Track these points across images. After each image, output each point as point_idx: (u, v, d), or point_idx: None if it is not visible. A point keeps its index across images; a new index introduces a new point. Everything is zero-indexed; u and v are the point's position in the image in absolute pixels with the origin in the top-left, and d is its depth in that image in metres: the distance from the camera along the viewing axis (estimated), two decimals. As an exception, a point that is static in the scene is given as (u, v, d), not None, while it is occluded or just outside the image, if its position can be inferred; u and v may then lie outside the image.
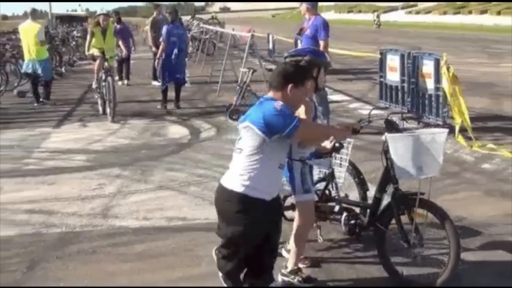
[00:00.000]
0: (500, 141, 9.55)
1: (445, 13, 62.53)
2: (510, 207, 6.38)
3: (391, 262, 4.67)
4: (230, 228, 4.04)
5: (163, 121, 12.44)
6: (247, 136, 3.89)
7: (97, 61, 13.49)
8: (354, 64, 20.50)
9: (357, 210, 5.35)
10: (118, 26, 17.47)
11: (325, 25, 10.23)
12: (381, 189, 4.76)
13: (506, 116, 11.66)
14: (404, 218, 4.61)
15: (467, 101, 9.68)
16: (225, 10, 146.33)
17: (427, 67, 10.07)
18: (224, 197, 4.04)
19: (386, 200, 4.83)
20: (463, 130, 9.53)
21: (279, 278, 4.71)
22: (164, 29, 14.06)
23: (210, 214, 6.53)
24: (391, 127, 4.59)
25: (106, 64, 12.99)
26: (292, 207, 5.12)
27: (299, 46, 10.14)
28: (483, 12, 56.34)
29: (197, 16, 44.45)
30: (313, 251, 5.31)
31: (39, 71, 14.61)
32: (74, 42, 28.34)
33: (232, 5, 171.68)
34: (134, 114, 13.39)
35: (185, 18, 35.11)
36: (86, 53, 14.60)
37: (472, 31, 41.52)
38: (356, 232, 5.05)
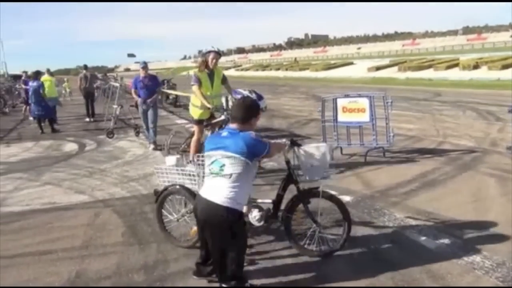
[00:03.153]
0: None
1: (257, 70, 63.92)
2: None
3: (296, 238, 4.03)
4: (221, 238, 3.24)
5: (63, 141, 11.44)
6: (232, 163, 3.16)
7: (196, 134, 6.80)
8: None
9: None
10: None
11: (158, 78, 10.18)
12: (284, 189, 4.04)
13: (273, 129, 11.96)
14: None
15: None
16: (127, 70, 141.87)
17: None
18: (216, 213, 3.17)
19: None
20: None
21: None
22: (29, 84, 13.85)
23: (72, 199, 6.17)
24: (294, 144, 4.00)
25: (223, 116, 6.74)
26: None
27: (140, 92, 9.32)
28: (278, 69, 58.13)
29: (108, 74, 41.84)
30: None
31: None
32: (16, 92, 25.91)
33: (132, 67, 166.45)
34: (45, 138, 12.22)
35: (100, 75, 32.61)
36: (191, 113, 6.94)
37: (269, 80, 42.66)
38: (265, 221, 4.10)
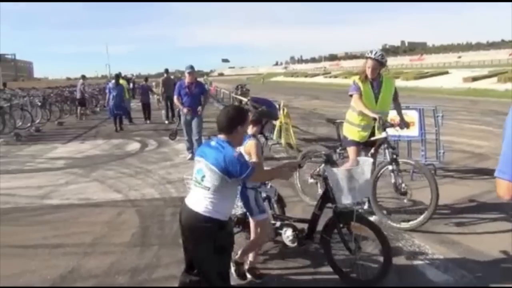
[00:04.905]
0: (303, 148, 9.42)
1: (345, 77, 62.65)
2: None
3: (337, 264, 3.72)
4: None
5: (130, 140, 12.18)
6: (210, 176, 3.02)
7: (351, 159, 5.22)
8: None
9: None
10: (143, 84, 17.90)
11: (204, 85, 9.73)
12: (320, 208, 3.78)
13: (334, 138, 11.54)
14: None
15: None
16: (221, 74, 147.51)
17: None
18: (197, 221, 3.06)
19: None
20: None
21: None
22: (108, 86, 15.48)
23: (106, 196, 6.51)
24: (329, 160, 3.72)
25: (384, 133, 5.06)
26: (237, 223, 4.05)
27: (184, 98, 8.64)
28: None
29: (203, 78, 43.07)
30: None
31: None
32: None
33: (226, 72, 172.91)
34: (116, 136, 13.11)
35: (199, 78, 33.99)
36: (346, 132, 5.38)
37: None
38: (298, 243, 3.92)
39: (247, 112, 3.39)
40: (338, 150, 5.76)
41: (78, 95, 18.47)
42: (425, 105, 7.24)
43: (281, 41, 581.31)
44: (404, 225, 4.80)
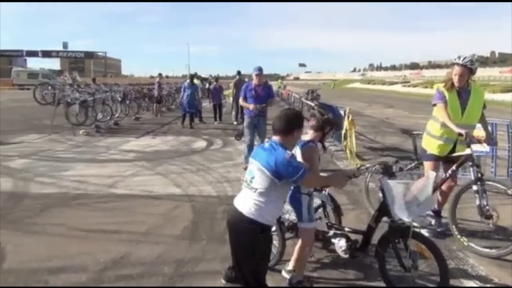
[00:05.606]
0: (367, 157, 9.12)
1: (426, 87, 59.95)
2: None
3: (390, 280, 3.60)
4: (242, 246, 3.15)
5: (198, 138, 12.60)
6: (260, 177, 3.03)
7: (429, 168, 4.80)
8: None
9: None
10: (215, 85, 18.45)
11: (272, 89, 9.39)
12: (376, 220, 3.64)
13: (401, 149, 11.14)
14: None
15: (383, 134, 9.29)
16: (296, 79, 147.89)
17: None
18: (241, 222, 3.08)
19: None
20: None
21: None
22: (183, 85, 16.43)
23: (166, 190, 6.79)
24: (386, 172, 3.56)
25: (469, 149, 4.60)
26: (290, 228, 4.06)
27: (249, 100, 8.08)
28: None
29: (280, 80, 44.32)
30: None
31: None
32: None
33: (302, 76, 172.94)
34: (186, 133, 13.62)
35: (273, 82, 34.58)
36: (425, 145, 5.00)
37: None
38: (350, 254, 3.83)
39: (304, 118, 3.34)
40: (413, 164, 5.42)
41: (155, 92, 19.43)
42: (499, 119, 6.77)
43: (360, 47, 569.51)
44: (488, 251, 4.38)
